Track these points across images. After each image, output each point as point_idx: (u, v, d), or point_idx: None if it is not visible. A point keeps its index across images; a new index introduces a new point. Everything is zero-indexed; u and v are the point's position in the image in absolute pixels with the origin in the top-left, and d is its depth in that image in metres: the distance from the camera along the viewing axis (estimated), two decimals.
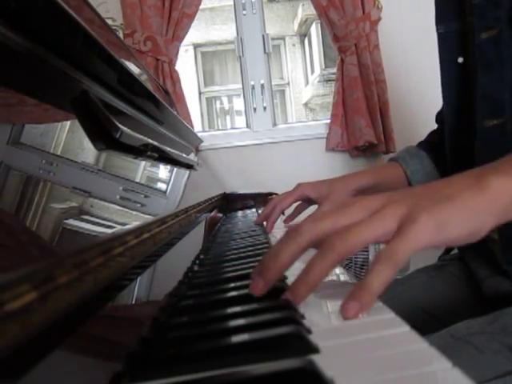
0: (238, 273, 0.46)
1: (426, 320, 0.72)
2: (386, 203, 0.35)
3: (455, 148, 0.76)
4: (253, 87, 1.94)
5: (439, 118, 0.91)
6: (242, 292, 0.40)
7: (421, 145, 0.87)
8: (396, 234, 0.32)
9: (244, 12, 1.92)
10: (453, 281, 0.77)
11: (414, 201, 0.34)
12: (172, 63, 1.77)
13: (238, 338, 0.28)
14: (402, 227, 0.32)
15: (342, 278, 0.44)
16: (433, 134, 0.91)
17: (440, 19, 0.75)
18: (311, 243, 0.35)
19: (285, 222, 0.82)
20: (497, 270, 0.68)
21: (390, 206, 0.34)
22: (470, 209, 0.34)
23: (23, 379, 0.17)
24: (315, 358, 0.24)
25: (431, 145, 0.85)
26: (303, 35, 7.31)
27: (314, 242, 0.35)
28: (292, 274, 0.46)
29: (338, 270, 0.46)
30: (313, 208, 0.70)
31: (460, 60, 0.73)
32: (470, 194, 0.34)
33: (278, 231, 0.64)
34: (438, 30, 0.75)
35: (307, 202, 0.77)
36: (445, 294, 0.76)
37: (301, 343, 0.26)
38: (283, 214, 0.80)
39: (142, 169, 0.57)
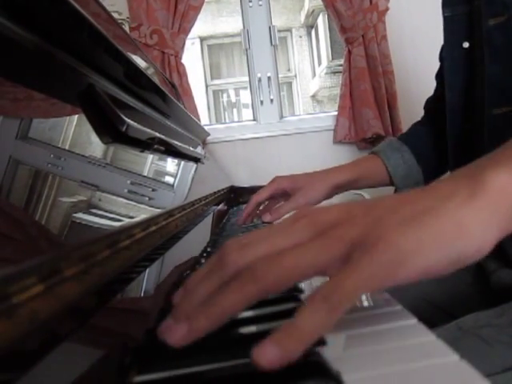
0: None
1: (434, 313, 0.72)
2: (340, 219, 0.27)
3: (458, 134, 0.75)
4: (259, 80, 1.93)
5: (428, 105, 0.87)
6: None
7: (403, 138, 0.84)
8: (344, 266, 0.24)
9: (250, 4, 1.91)
10: (461, 273, 0.77)
11: (376, 218, 0.26)
12: (178, 56, 1.76)
13: (245, 330, 0.28)
14: (352, 258, 0.24)
15: None
16: (417, 124, 0.88)
17: (447, 2, 0.74)
18: (235, 273, 0.26)
19: (262, 217, 0.72)
20: (506, 262, 0.67)
21: (344, 224, 0.26)
22: (455, 226, 0.24)
23: (31, 371, 0.17)
24: (322, 350, 0.24)
25: (413, 138, 0.83)
26: (310, 27, 7.26)
27: (238, 273, 0.26)
28: None
29: None
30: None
31: (465, 45, 0.71)
32: (456, 204, 0.25)
33: None
34: (444, 13, 0.74)
35: (284, 195, 0.74)
36: (453, 286, 0.75)
37: None
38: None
39: (149, 162, 0.57)
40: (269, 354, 0.21)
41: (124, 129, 0.39)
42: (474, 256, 0.24)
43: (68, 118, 0.38)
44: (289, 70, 7.37)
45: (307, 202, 0.70)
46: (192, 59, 5.85)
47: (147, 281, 0.37)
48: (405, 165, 0.79)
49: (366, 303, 0.33)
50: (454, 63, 0.73)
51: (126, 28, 1.73)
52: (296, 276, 0.25)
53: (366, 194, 1.52)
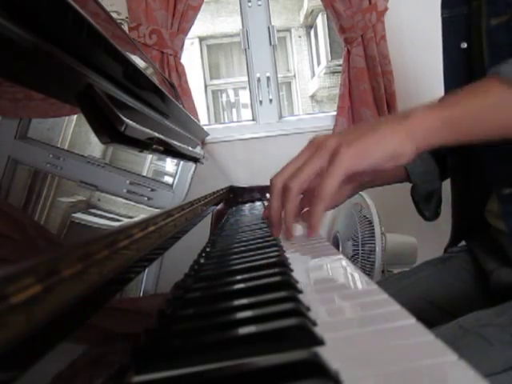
0: (244, 265, 0.47)
1: (434, 312, 0.72)
2: (323, 141, 0.47)
3: None
4: (258, 80, 1.93)
5: None
6: (247, 285, 0.40)
7: None
8: (325, 169, 0.44)
9: (249, 4, 1.91)
10: (460, 273, 0.77)
11: (344, 136, 0.45)
12: (177, 56, 1.76)
13: (243, 331, 0.28)
14: (330, 160, 0.44)
15: (349, 269, 0.44)
16: None
17: (445, 4, 0.75)
18: (282, 189, 0.51)
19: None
20: (505, 261, 0.67)
21: (327, 142, 0.46)
22: (389, 136, 0.43)
23: (29, 371, 0.17)
24: (320, 350, 0.24)
25: None
26: (309, 27, 7.26)
27: (283, 188, 0.50)
28: (298, 270, 0.46)
29: (344, 262, 0.46)
30: None
31: (463, 45, 0.72)
32: (391, 125, 0.44)
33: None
34: (442, 14, 0.75)
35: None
36: (452, 286, 0.75)
37: (306, 335, 0.26)
38: None
39: (148, 162, 0.57)
40: (311, 234, 0.50)
41: (123, 129, 0.39)
42: (400, 158, 0.44)
43: (67, 118, 0.38)
44: (288, 70, 7.37)
45: (334, 202, 0.72)
46: (191, 59, 5.85)
47: (146, 281, 0.37)
48: (422, 163, 0.80)
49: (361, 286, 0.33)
50: (453, 64, 0.74)
51: (125, 28, 1.73)
52: (307, 177, 0.47)
53: (365, 194, 1.52)
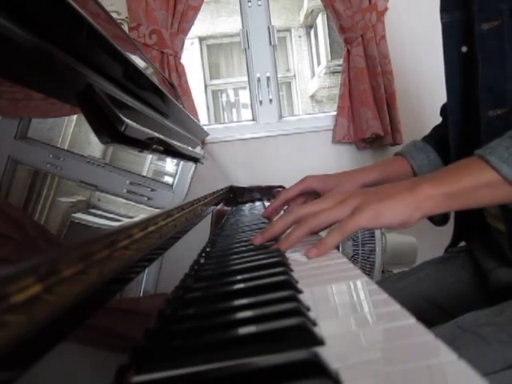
0: (244, 265, 0.47)
1: (433, 312, 0.72)
2: (349, 197, 0.53)
3: (459, 136, 0.76)
4: (258, 80, 1.93)
5: (444, 111, 0.90)
6: (247, 285, 0.40)
7: (427, 139, 0.86)
8: (348, 216, 0.50)
9: (249, 4, 1.91)
10: (460, 273, 0.77)
11: (366, 197, 0.51)
12: (177, 56, 1.76)
13: (243, 331, 0.28)
14: (353, 213, 0.50)
15: (348, 269, 0.44)
16: (437, 128, 0.90)
17: (444, 8, 0.75)
18: (296, 220, 0.55)
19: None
20: (504, 261, 0.67)
21: (351, 199, 0.52)
22: (401, 205, 0.50)
23: (31, 371, 0.17)
24: (321, 350, 0.24)
25: (437, 139, 0.85)
26: (309, 27, 7.26)
27: (298, 220, 0.55)
28: (297, 271, 0.46)
29: (343, 260, 0.46)
30: None
31: (464, 49, 0.72)
32: (404, 196, 0.50)
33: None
34: (442, 19, 0.75)
35: (313, 194, 0.76)
36: (452, 285, 0.75)
37: (306, 335, 0.26)
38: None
39: (148, 163, 0.57)
40: (312, 253, 0.49)
41: (123, 129, 0.39)
42: (408, 223, 0.50)
43: (67, 117, 0.38)
44: (288, 70, 7.37)
45: None
46: (191, 59, 5.85)
47: (146, 281, 0.37)
48: (430, 165, 0.80)
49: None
50: (453, 67, 0.74)
51: (125, 28, 1.72)
52: (325, 222, 0.52)
53: None
